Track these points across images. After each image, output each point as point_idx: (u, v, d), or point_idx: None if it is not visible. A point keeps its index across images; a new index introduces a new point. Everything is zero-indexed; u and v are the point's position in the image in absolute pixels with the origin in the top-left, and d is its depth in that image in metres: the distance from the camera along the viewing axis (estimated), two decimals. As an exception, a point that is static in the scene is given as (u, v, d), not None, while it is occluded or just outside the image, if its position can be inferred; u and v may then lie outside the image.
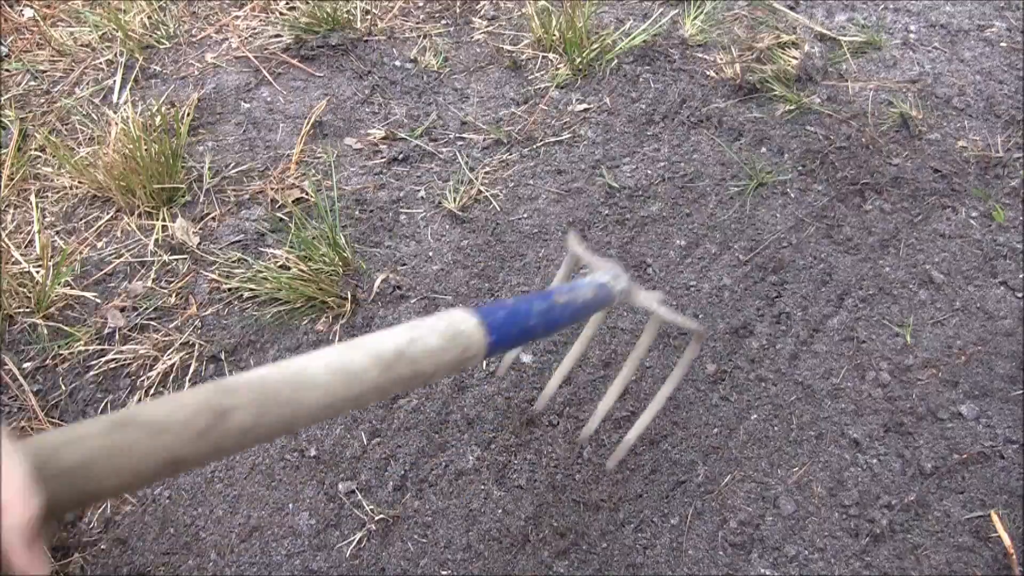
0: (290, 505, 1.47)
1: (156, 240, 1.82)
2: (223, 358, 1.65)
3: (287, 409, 0.66)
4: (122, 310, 1.73)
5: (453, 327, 0.79)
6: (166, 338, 1.67)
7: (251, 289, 1.71)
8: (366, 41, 2.20)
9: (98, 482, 0.55)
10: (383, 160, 1.96)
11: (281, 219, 1.85)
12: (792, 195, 1.80)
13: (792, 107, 1.94)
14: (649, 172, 1.86)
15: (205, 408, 0.61)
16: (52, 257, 1.80)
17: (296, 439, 1.54)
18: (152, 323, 1.70)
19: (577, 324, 1.09)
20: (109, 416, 0.58)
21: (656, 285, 1.69)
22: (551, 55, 2.13)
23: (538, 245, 1.77)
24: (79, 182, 1.91)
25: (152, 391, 1.61)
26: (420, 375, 0.76)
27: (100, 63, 2.20)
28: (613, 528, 1.40)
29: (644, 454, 1.47)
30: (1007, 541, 1.32)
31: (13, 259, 1.79)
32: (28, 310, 1.72)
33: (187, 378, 1.62)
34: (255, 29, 2.26)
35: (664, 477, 1.45)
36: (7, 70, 2.19)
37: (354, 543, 1.42)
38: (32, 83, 2.17)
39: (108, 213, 1.89)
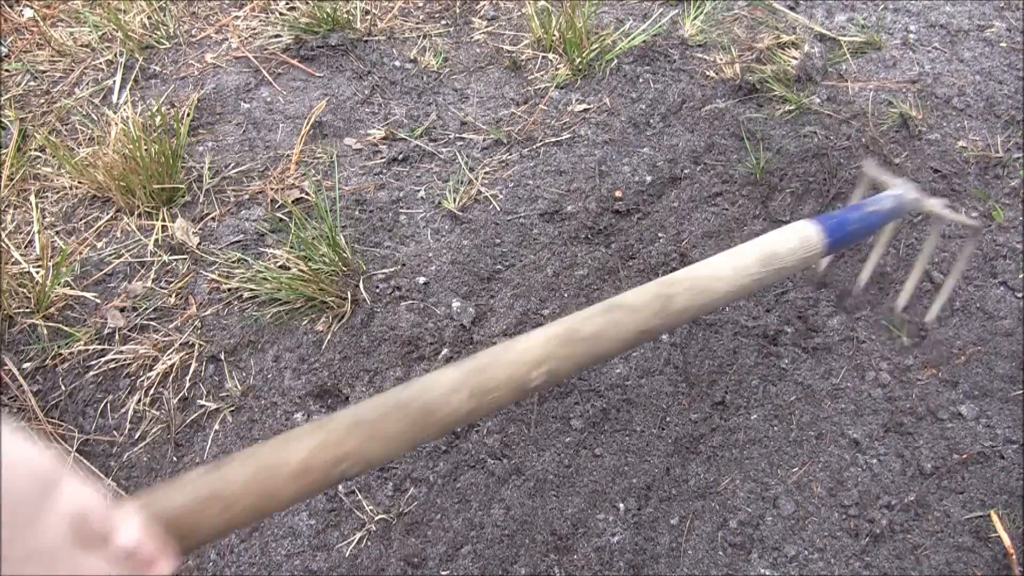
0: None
1: (156, 240, 1.82)
2: (223, 358, 1.65)
3: (708, 295, 0.90)
4: (122, 310, 1.73)
5: (803, 232, 1.01)
6: (166, 338, 1.67)
7: (251, 289, 1.71)
8: (366, 41, 2.20)
9: None
10: (383, 160, 1.96)
11: (281, 219, 1.85)
12: (791, 195, 1.80)
13: (792, 107, 1.94)
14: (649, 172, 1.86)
15: (661, 294, 0.87)
16: (52, 257, 1.80)
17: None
18: (152, 323, 1.70)
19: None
20: (600, 305, 0.85)
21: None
22: (551, 55, 2.13)
23: (538, 245, 1.77)
24: (79, 182, 1.91)
25: (152, 391, 1.61)
26: (784, 270, 0.98)
27: (100, 63, 2.20)
28: (615, 527, 1.40)
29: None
30: (1007, 541, 1.32)
31: (13, 259, 1.79)
32: (28, 310, 1.72)
33: (187, 378, 1.62)
34: (255, 29, 2.26)
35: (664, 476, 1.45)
36: (7, 70, 2.19)
37: (354, 543, 1.42)
38: (32, 83, 2.17)
39: (108, 213, 1.89)
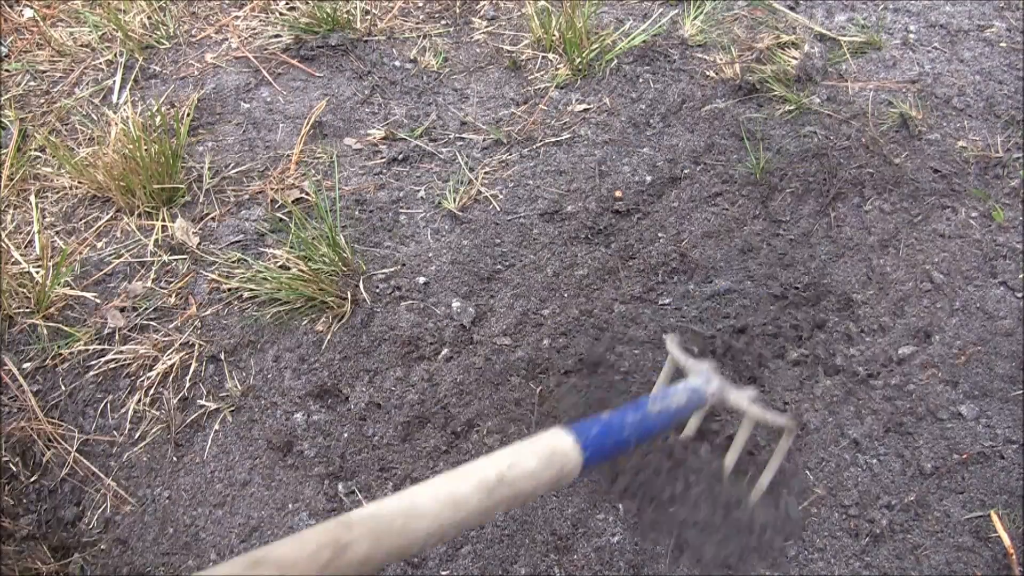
0: (290, 505, 1.47)
1: (156, 240, 1.82)
2: (223, 358, 1.65)
3: (400, 539, 0.73)
4: (122, 310, 1.73)
5: (549, 448, 0.84)
6: (166, 338, 1.67)
7: (251, 289, 1.71)
8: (366, 41, 2.20)
9: None
10: (383, 160, 1.96)
11: (281, 219, 1.85)
12: (791, 195, 1.80)
13: (792, 107, 1.94)
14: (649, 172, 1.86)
15: (327, 543, 0.68)
16: (52, 257, 1.80)
17: (295, 439, 1.54)
18: (152, 323, 1.70)
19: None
20: (241, 558, 0.65)
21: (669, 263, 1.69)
22: (551, 55, 2.13)
23: (538, 245, 1.77)
24: (79, 182, 1.91)
25: (152, 391, 1.61)
26: (520, 495, 0.81)
27: (100, 63, 2.20)
28: (615, 527, 1.40)
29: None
30: (1007, 541, 1.32)
31: (13, 259, 1.79)
32: (28, 310, 1.72)
33: (187, 378, 1.62)
34: (255, 29, 2.26)
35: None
36: (7, 70, 2.19)
37: (354, 543, 1.42)
38: (32, 83, 2.17)
39: (108, 213, 1.89)
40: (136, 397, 1.61)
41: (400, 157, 1.95)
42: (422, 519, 0.74)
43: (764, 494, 1.21)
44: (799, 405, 1.51)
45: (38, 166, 1.98)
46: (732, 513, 1.17)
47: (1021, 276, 1.64)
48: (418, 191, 1.89)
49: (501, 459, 0.82)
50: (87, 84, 2.15)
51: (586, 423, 0.89)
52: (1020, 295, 1.62)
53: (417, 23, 2.26)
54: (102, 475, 1.54)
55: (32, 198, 1.91)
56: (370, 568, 0.71)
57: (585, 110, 2.01)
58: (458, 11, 2.28)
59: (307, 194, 1.88)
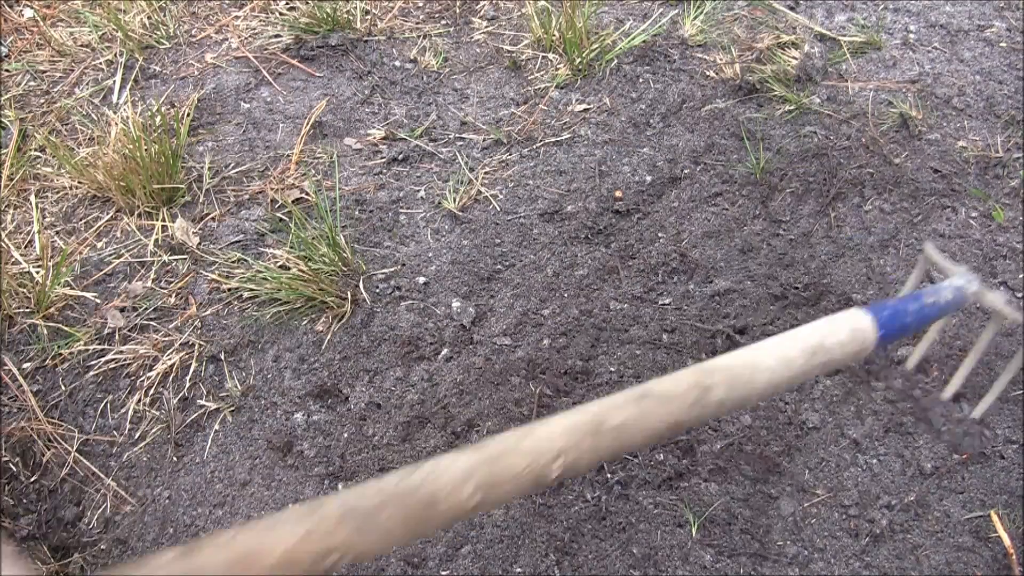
0: (290, 505, 1.47)
1: (156, 240, 1.82)
2: (223, 358, 1.65)
3: (747, 388, 0.85)
4: (122, 310, 1.73)
5: (854, 323, 0.96)
6: (166, 338, 1.67)
7: (251, 289, 1.71)
8: (366, 41, 2.20)
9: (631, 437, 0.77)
10: (383, 160, 1.96)
11: (281, 219, 1.85)
12: (791, 195, 1.80)
13: (792, 107, 1.94)
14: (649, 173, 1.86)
15: (695, 385, 0.81)
16: (52, 257, 1.80)
17: (295, 439, 1.54)
18: (152, 323, 1.70)
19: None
20: (630, 391, 0.79)
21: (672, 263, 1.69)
22: (551, 55, 2.13)
23: (538, 245, 1.77)
24: (79, 182, 1.91)
25: (152, 391, 1.61)
26: (831, 363, 0.93)
27: (100, 63, 2.20)
28: (607, 541, 1.40)
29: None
30: (1007, 541, 1.32)
31: (13, 259, 1.79)
32: (28, 310, 1.72)
33: (187, 378, 1.62)
34: (255, 29, 2.26)
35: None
36: (7, 70, 2.19)
37: (354, 543, 1.42)
38: (32, 83, 2.17)
39: (108, 213, 1.89)
40: (136, 397, 1.61)
41: (400, 157, 1.95)
42: (763, 373, 0.86)
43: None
44: (799, 405, 1.51)
45: (38, 166, 1.98)
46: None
47: (1021, 276, 1.64)
48: (418, 191, 1.89)
49: (818, 329, 0.93)
50: (87, 84, 2.15)
51: (880, 306, 1.00)
52: (1020, 295, 1.62)
53: (417, 23, 2.26)
54: (102, 475, 1.54)
55: (32, 198, 1.91)
56: (723, 410, 0.84)
57: (585, 110, 2.01)
58: (458, 11, 2.28)
59: (307, 194, 1.88)
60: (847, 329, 0.95)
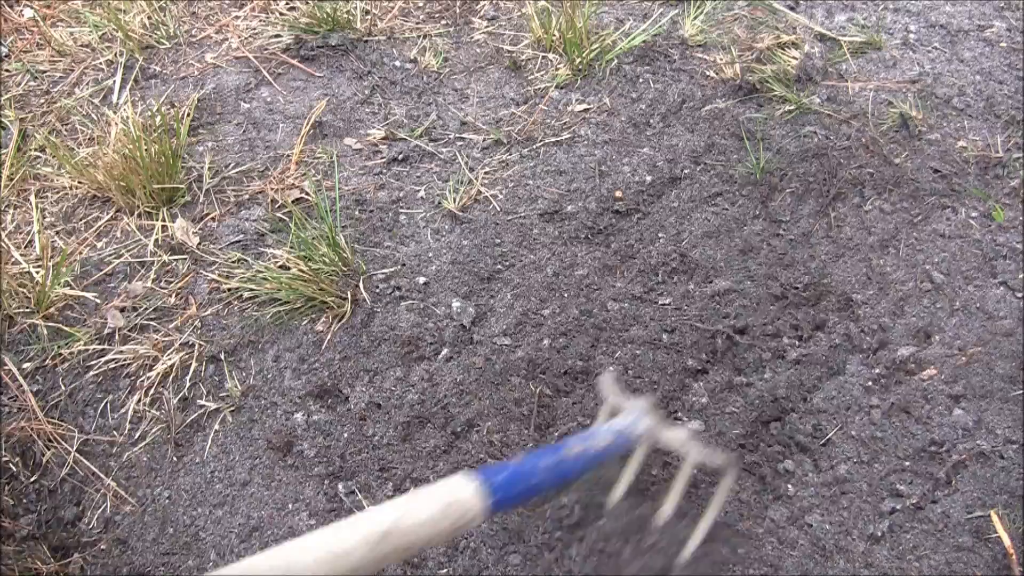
0: (290, 505, 1.47)
1: (156, 240, 1.82)
2: (223, 358, 1.65)
3: None
4: (122, 310, 1.73)
5: (448, 497, 0.81)
6: (166, 338, 1.67)
7: (251, 289, 1.71)
8: (366, 41, 2.20)
9: None
10: (383, 160, 1.96)
11: (281, 219, 1.85)
12: (791, 195, 1.80)
13: (792, 107, 1.94)
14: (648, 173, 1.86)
15: None
16: (52, 257, 1.80)
17: (295, 439, 1.54)
18: (152, 323, 1.70)
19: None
20: None
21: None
22: (551, 55, 2.13)
23: (538, 245, 1.77)
24: (79, 182, 1.91)
25: (152, 391, 1.61)
26: (411, 547, 0.78)
27: (100, 63, 2.20)
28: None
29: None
30: (1007, 541, 1.32)
31: (13, 259, 1.79)
32: (28, 310, 1.72)
33: (187, 378, 1.62)
34: (255, 29, 2.26)
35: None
36: (7, 70, 2.19)
37: (354, 543, 1.42)
38: (32, 83, 2.17)
39: (108, 213, 1.89)
40: (136, 397, 1.61)
41: (400, 157, 1.95)
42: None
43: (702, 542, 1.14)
44: (800, 405, 1.51)
45: (38, 166, 1.98)
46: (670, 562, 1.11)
47: (1021, 276, 1.64)
48: (418, 191, 1.89)
49: (393, 510, 0.79)
50: (87, 84, 2.15)
51: (494, 468, 0.86)
52: (1020, 295, 1.62)
53: (417, 23, 2.26)
54: (102, 475, 1.54)
55: (32, 198, 1.91)
56: None
57: (585, 110, 2.01)
58: (458, 11, 2.28)
59: (307, 194, 1.88)
60: (436, 504, 0.80)
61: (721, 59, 2.06)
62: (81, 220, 1.89)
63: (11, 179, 1.94)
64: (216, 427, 1.57)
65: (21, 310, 1.72)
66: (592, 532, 1.16)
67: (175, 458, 1.55)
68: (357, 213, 1.85)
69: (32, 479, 1.54)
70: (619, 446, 0.98)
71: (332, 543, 0.74)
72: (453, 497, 0.82)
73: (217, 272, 1.76)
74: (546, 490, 0.90)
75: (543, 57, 2.13)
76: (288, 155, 1.96)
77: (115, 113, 2.03)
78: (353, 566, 0.74)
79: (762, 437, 1.48)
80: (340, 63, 2.16)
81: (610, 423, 1.03)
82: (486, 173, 1.91)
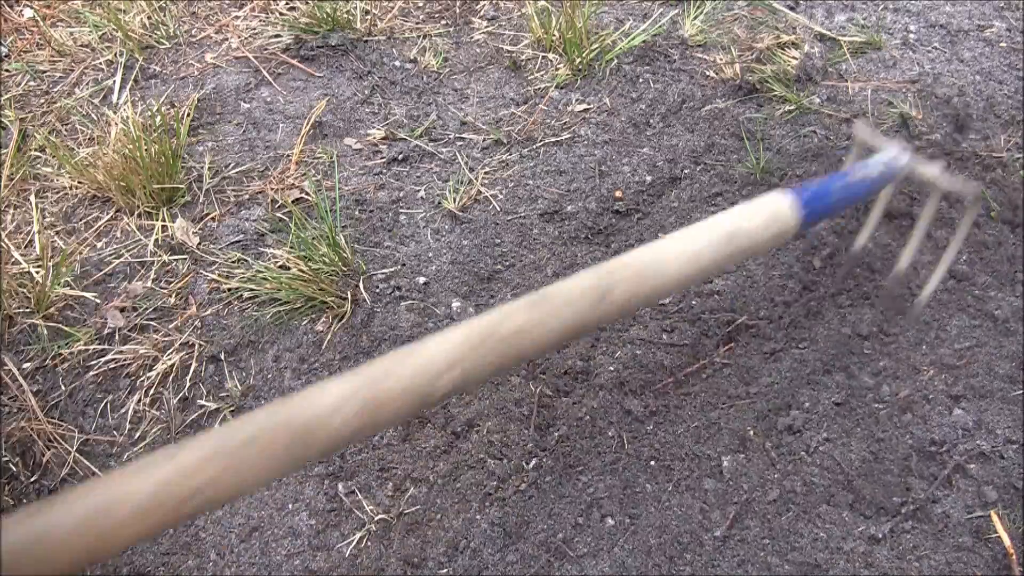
0: (290, 505, 1.47)
1: (156, 240, 1.83)
2: (223, 358, 1.65)
3: (654, 284, 0.83)
4: (122, 310, 1.73)
5: (772, 209, 0.92)
6: (166, 338, 1.67)
7: (251, 289, 1.71)
8: (366, 41, 2.20)
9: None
10: (383, 160, 1.96)
11: (281, 219, 1.85)
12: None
13: (792, 107, 1.94)
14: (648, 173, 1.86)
15: (594, 287, 0.79)
16: (52, 257, 1.80)
17: (296, 439, 1.54)
18: (152, 323, 1.70)
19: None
20: (526, 298, 0.76)
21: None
22: (551, 55, 2.13)
23: (538, 245, 1.77)
24: (79, 182, 1.91)
25: (152, 391, 1.61)
26: (749, 249, 0.91)
27: (100, 63, 2.20)
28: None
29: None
30: (1007, 541, 1.32)
31: (13, 259, 1.79)
32: (28, 310, 1.72)
33: (187, 378, 1.62)
34: (255, 29, 2.26)
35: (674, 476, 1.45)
36: (7, 70, 2.19)
37: (354, 543, 1.42)
38: (32, 83, 2.17)
39: (108, 213, 1.89)
40: (136, 397, 1.61)
41: (400, 157, 1.95)
42: (667, 270, 0.84)
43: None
44: (801, 405, 1.51)
45: (38, 166, 1.98)
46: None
47: (1021, 276, 1.64)
48: (418, 191, 1.89)
49: (733, 215, 0.90)
50: (87, 84, 2.15)
51: (803, 187, 0.95)
52: (1019, 295, 1.62)
53: (417, 23, 2.26)
54: (102, 475, 1.54)
55: (32, 198, 1.91)
56: (630, 309, 0.82)
57: (585, 110, 2.01)
58: (458, 11, 2.28)
59: (307, 194, 1.88)
60: (765, 213, 0.92)
61: (721, 59, 2.06)
62: (81, 220, 1.89)
63: (11, 179, 1.94)
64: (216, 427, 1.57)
65: (21, 310, 1.72)
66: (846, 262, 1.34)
67: (175, 458, 1.55)
68: (357, 213, 1.85)
69: (32, 479, 1.54)
70: (888, 175, 1.09)
71: (689, 244, 0.86)
72: (776, 208, 0.92)
73: (217, 272, 1.76)
74: (839, 209, 1.02)
75: (543, 57, 2.13)
76: (288, 155, 1.96)
77: (115, 113, 2.03)
78: (704, 266, 0.87)
79: (770, 434, 1.48)
80: (340, 63, 2.16)
81: (878, 156, 1.12)
82: (486, 173, 1.91)
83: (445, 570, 1.38)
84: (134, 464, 0.61)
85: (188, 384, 1.62)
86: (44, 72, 2.20)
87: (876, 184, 1.08)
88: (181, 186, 1.89)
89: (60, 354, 1.67)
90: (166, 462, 0.60)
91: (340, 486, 1.48)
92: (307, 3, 2.23)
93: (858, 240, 1.43)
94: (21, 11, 2.34)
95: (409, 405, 0.66)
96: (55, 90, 2.15)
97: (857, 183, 1.04)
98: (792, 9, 2.16)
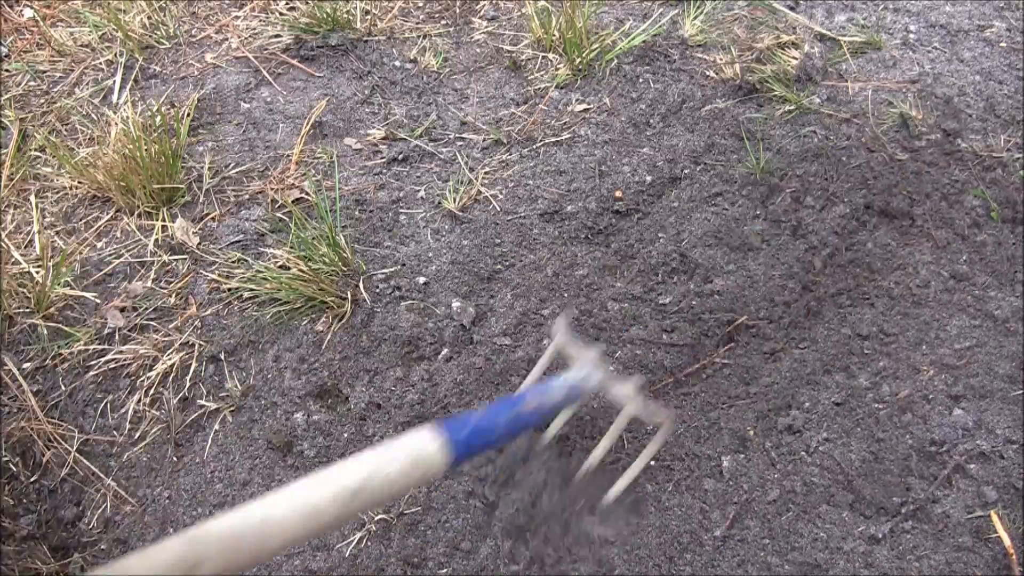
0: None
1: (156, 240, 1.82)
2: (223, 358, 1.65)
3: (251, 555, 0.72)
4: (122, 310, 1.73)
5: (415, 452, 0.84)
6: (166, 338, 1.67)
7: (251, 289, 1.71)
8: (366, 41, 2.20)
9: None
10: (383, 160, 1.96)
11: (281, 219, 1.85)
12: (791, 195, 1.80)
13: (792, 107, 1.94)
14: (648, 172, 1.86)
15: (179, 562, 0.68)
16: (52, 257, 1.80)
17: (295, 439, 1.54)
18: (152, 323, 1.70)
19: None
20: (98, 571, 0.67)
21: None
22: (551, 55, 2.13)
23: (538, 245, 1.77)
24: (79, 182, 1.91)
25: (152, 391, 1.61)
26: (381, 500, 0.82)
27: (100, 63, 2.20)
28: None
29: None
30: (1007, 541, 1.32)
31: (13, 259, 1.79)
32: (28, 310, 1.72)
33: (187, 378, 1.62)
34: (255, 29, 2.26)
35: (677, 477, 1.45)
36: (7, 70, 2.19)
37: (354, 543, 1.42)
38: (32, 83, 2.17)
39: (108, 213, 1.89)
40: (136, 397, 1.61)
41: (400, 157, 1.95)
42: (277, 532, 0.74)
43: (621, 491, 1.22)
44: (801, 405, 1.51)
45: (38, 166, 1.98)
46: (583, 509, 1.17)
47: (1021, 276, 1.64)
48: (418, 191, 1.89)
49: (362, 466, 0.81)
50: (87, 84, 2.15)
51: (457, 423, 0.89)
52: (1019, 295, 1.62)
53: (417, 23, 2.26)
54: (102, 475, 1.54)
55: (32, 198, 1.91)
56: None
57: (585, 110, 2.01)
58: (458, 11, 2.28)
59: (307, 194, 1.88)
60: (404, 460, 0.84)
61: (721, 59, 2.06)
62: (81, 220, 1.89)
63: (11, 179, 1.94)
64: (216, 427, 1.57)
65: (21, 310, 1.72)
66: (521, 478, 1.20)
67: (175, 458, 1.55)
68: (357, 213, 1.85)
69: (32, 479, 1.54)
70: (572, 399, 1.03)
71: (309, 499, 0.77)
72: (419, 454, 0.85)
73: (217, 272, 1.76)
74: (501, 443, 0.94)
75: (543, 57, 2.13)
76: (288, 155, 1.96)
77: (115, 113, 2.03)
78: (327, 522, 0.77)
79: (770, 434, 1.48)
80: (340, 63, 2.16)
81: (564, 377, 1.07)
82: (486, 173, 1.91)
83: (445, 570, 1.38)
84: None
85: (188, 384, 1.62)
86: (44, 72, 2.20)
87: (555, 408, 1.01)
88: (181, 186, 1.89)
89: (60, 354, 1.67)
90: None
91: (340, 486, 1.48)
92: (307, 3, 2.23)
93: (545, 436, 1.36)
94: (21, 11, 2.34)
95: None
96: (55, 90, 2.15)
97: (528, 415, 0.96)
98: (792, 9, 2.16)
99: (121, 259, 1.81)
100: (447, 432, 0.88)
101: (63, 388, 1.63)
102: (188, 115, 2.03)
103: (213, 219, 1.86)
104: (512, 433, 0.94)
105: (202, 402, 1.60)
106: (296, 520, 0.75)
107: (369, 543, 1.41)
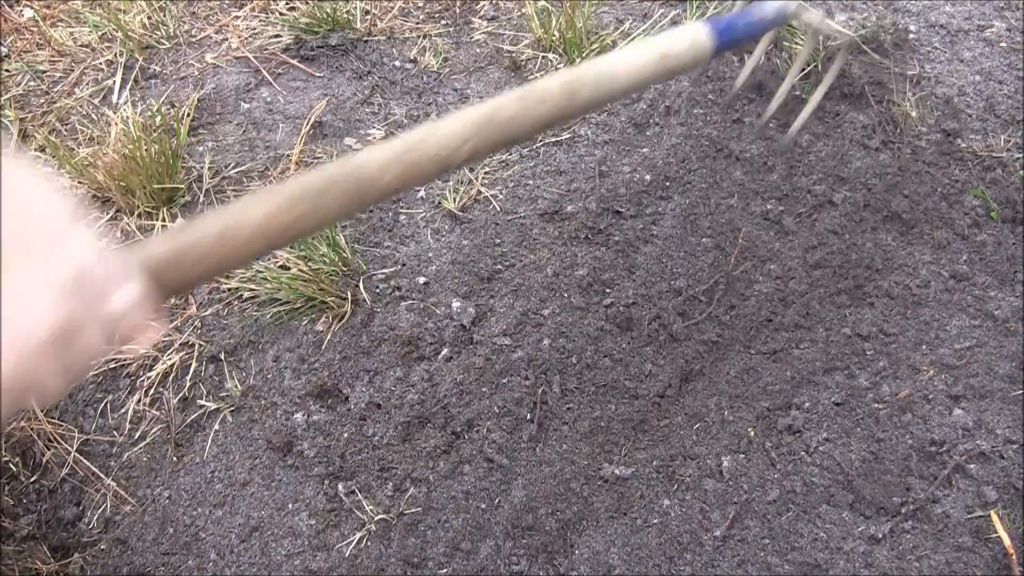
0: (290, 505, 1.47)
1: (156, 240, 1.82)
2: (223, 358, 1.65)
3: (608, 88, 1.01)
4: (122, 310, 1.72)
5: (695, 33, 1.10)
6: (166, 338, 1.67)
7: (251, 289, 1.71)
8: (366, 41, 2.20)
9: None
10: (383, 160, 1.95)
11: (281, 219, 1.85)
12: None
13: (792, 107, 1.94)
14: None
15: (566, 87, 0.97)
16: (52, 257, 1.79)
17: (295, 439, 1.54)
18: (152, 323, 1.70)
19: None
20: (511, 93, 0.94)
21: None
22: (551, 55, 2.13)
23: (538, 245, 1.77)
24: (79, 182, 1.91)
25: (152, 391, 1.61)
26: (676, 68, 1.08)
27: (100, 63, 2.20)
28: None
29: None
30: (1007, 541, 1.32)
31: (13, 259, 1.78)
32: (28, 310, 1.71)
33: (187, 378, 1.62)
34: (255, 29, 2.26)
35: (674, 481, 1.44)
36: (7, 70, 2.19)
37: (354, 543, 1.42)
38: (32, 83, 2.17)
39: (108, 213, 1.89)
40: (136, 397, 1.61)
41: (400, 157, 1.95)
42: (620, 76, 1.02)
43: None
44: (801, 405, 1.51)
45: (38, 166, 1.98)
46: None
47: (1021, 276, 1.64)
48: (418, 191, 1.89)
49: (664, 40, 1.07)
50: (87, 84, 2.15)
51: (716, 23, 1.13)
52: (1019, 295, 1.62)
53: (417, 23, 2.26)
54: (102, 475, 1.54)
55: (32, 198, 1.90)
56: (591, 107, 1.01)
57: (585, 110, 2.01)
58: (458, 11, 2.28)
59: (307, 194, 1.87)
60: (689, 38, 1.09)
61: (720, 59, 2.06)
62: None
63: (11, 179, 1.93)
64: (216, 427, 1.57)
65: (21, 310, 1.71)
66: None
67: (175, 458, 1.55)
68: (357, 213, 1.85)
69: (32, 479, 1.54)
70: (780, 18, 1.27)
71: (635, 59, 1.03)
72: (697, 35, 1.09)
73: (217, 272, 1.76)
74: (742, 42, 1.19)
75: (543, 57, 2.13)
76: (288, 155, 1.96)
77: (115, 113, 2.03)
78: (646, 77, 1.04)
79: (770, 434, 1.48)
80: (340, 63, 2.16)
81: (770, 3, 1.28)
82: (486, 173, 1.91)
83: (445, 570, 1.38)
84: (245, 199, 0.77)
85: (188, 384, 1.62)
86: (44, 72, 2.20)
87: (769, 24, 1.26)
88: (181, 186, 1.89)
89: (60, 354, 1.66)
90: (268, 199, 0.77)
91: (340, 486, 1.48)
92: (307, 3, 2.23)
93: (740, 75, 1.67)
94: (21, 11, 2.34)
95: (435, 169, 0.87)
96: (55, 90, 2.15)
97: (756, 23, 1.23)
98: (792, 9, 2.16)
99: (121, 259, 1.81)
100: (711, 25, 1.12)
101: (63, 388, 1.63)
102: (188, 115, 2.03)
103: (213, 219, 1.86)
104: (747, 35, 1.20)
105: (202, 402, 1.60)
106: (629, 71, 1.02)
107: (369, 543, 1.41)
